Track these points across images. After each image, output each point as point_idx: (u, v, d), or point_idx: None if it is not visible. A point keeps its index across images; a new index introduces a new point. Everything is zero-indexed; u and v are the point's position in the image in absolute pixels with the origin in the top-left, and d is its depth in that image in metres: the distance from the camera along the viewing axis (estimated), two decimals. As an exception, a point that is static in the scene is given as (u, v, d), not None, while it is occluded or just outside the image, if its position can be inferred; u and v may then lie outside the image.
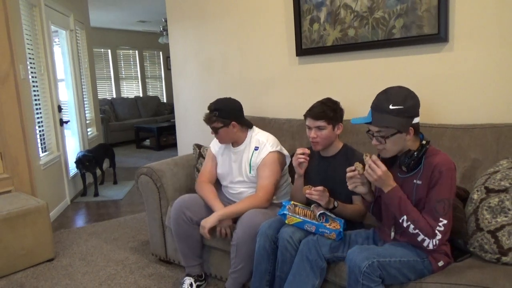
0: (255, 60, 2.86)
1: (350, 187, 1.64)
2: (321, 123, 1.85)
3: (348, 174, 1.62)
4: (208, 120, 2.14)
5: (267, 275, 1.84)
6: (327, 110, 1.86)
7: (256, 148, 2.15)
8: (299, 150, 1.90)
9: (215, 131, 2.14)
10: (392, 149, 1.53)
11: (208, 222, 2.01)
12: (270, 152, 2.11)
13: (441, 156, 1.48)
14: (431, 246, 1.45)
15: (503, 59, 1.93)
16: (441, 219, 1.43)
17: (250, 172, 2.16)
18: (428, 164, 1.48)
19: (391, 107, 1.47)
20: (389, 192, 1.49)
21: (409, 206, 1.47)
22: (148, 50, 9.48)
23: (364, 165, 1.60)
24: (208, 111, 2.15)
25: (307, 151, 1.90)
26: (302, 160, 1.89)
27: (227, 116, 2.11)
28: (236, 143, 2.22)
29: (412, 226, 1.45)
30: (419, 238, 1.45)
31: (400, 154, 1.53)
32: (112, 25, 8.37)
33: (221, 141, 2.21)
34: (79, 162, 4.11)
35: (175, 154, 3.32)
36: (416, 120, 1.51)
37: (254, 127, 2.26)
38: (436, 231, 1.43)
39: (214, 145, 2.35)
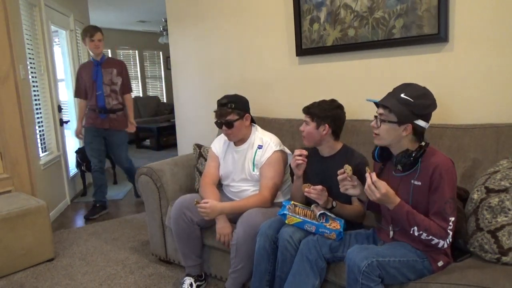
0: (255, 60, 2.86)
1: (341, 190, 1.65)
2: (306, 118, 1.91)
3: (339, 177, 1.62)
4: (223, 113, 2.09)
5: (267, 275, 1.84)
6: (316, 108, 1.89)
7: (260, 147, 2.16)
8: (296, 152, 1.91)
9: (230, 125, 2.10)
10: (384, 137, 1.54)
11: (215, 211, 1.98)
12: (275, 151, 2.13)
13: (438, 157, 1.48)
14: (446, 246, 1.46)
15: (503, 59, 1.92)
16: (450, 218, 1.44)
17: (253, 170, 2.16)
18: (427, 166, 1.49)
19: (402, 95, 1.49)
20: (395, 209, 1.48)
21: (417, 216, 1.47)
22: (148, 50, 9.47)
23: (353, 168, 1.61)
24: (219, 106, 2.12)
25: (304, 152, 1.91)
26: (300, 161, 1.90)
27: (242, 108, 2.13)
28: (239, 141, 2.22)
29: (424, 234, 1.45)
30: (433, 242, 1.46)
31: (398, 153, 1.54)
32: (112, 25, 8.36)
33: (232, 137, 2.17)
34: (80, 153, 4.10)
35: (175, 154, 3.32)
36: (421, 123, 1.50)
37: (257, 125, 2.27)
38: (448, 231, 1.44)
39: (216, 145, 2.35)
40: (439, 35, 2.04)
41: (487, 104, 1.99)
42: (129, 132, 3.65)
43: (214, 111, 2.15)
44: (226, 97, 2.17)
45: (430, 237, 1.44)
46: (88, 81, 3.43)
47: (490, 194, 1.54)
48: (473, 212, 1.58)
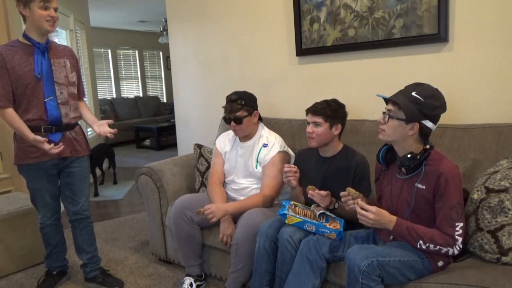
0: (255, 60, 2.86)
1: (346, 208, 1.63)
2: (318, 119, 1.87)
3: (342, 199, 1.61)
4: (233, 109, 2.11)
5: (267, 275, 1.84)
6: (327, 108, 1.88)
7: (265, 145, 2.18)
8: (286, 168, 1.91)
9: (239, 121, 2.12)
10: (390, 133, 1.53)
11: (220, 211, 1.97)
12: (279, 151, 2.15)
13: (445, 163, 1.47)
14: (456, 252, 1.45)
15: (503, 59, 1.93)
16: (457, 223, 1.44)
17: (256, 168, 2.18)
18: (432, 171, 1.48)
19: (413, 93, 1.49)
20: (395, 228, 1.48)
21: (419, 229, 1.46)
22: (148, 50, 9.48)
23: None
24: (229, 102, 2.14)
25: (293, 168, 1.90)
26: (290, 178, 1.90)
27: (251, 105, 2.15)
28: (245, 137, 2.24)
29: (431, 246, 1.44)
30: (443, 251, 1.45)
31: (402, 156, 1.53)
32: (112, 25, 8.37)
33: (240, 132, 2.19)
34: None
35: (175, 154, 3.32)
36: (428, 124, 1.50)
37: (263, 124, 2.29)
38: (456, 237, 1.44)
39: (220, 142, 2.37)
40: (439, 35, 2.04)
41: (487, 104, 1.99)
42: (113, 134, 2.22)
43: (223, 107, 2.17)
44: (236, 93, 2.18)
45: (438, 247, 1.44)
46: (26, 78, 1.97)
47: (490, 194, 1.54)
48: (473, 212, 1.58)
